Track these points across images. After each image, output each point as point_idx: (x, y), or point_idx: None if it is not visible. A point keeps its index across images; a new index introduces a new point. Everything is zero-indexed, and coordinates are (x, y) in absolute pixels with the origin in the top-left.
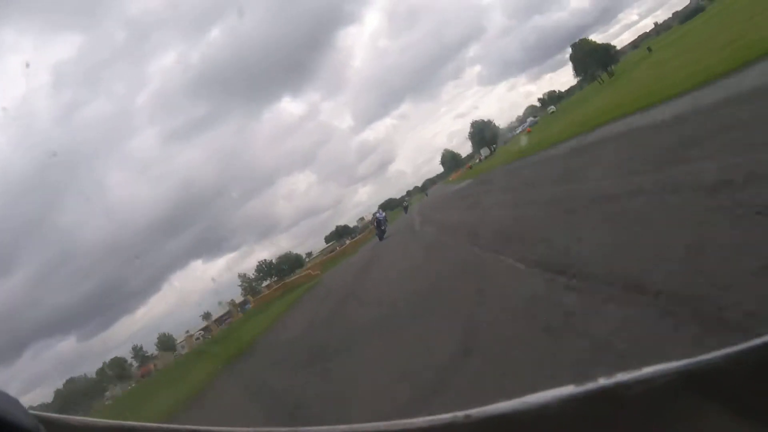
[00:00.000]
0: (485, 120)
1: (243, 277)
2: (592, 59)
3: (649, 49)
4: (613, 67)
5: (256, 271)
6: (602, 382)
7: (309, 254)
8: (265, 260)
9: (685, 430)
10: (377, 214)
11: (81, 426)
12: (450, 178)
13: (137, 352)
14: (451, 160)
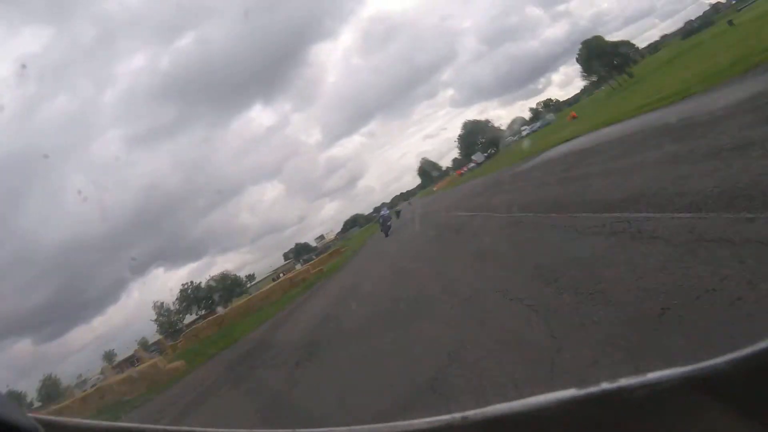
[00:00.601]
0: (482, 120)
1: (160, 308)
2: (605, 59)
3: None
4: (630, 68)
5: (178, 298)
6: (605, 386)
7: (251, 277)
8: (191, 283)
9: None
10: (383, 212)
11: (79, 428)
12: (434, 188)
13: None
14: (432, 169)
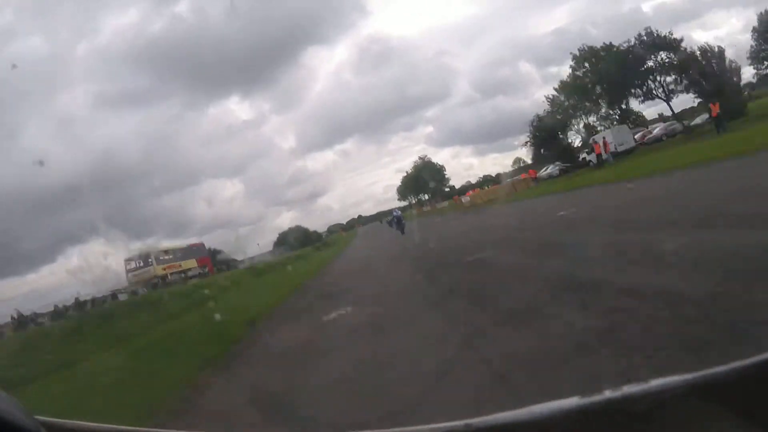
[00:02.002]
0: (436, 164)
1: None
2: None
3: None
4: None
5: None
6: (608, 394)
7: None
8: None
9: None
10: (394, 213)
11: (81, 430)
12: (428, 209)
13: None
14: (416, 184)
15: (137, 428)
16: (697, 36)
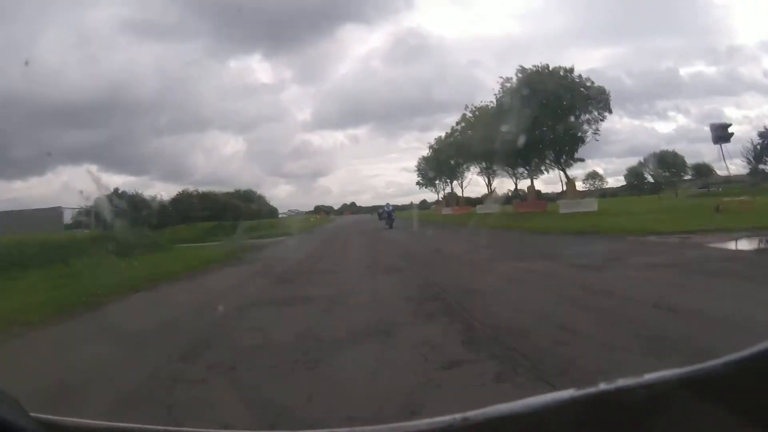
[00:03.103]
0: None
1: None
2: None
3: None
4: None
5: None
6: (602, 386)
7: None
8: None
9: None
10: (386, 208)
11: (82, 428)
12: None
13: None
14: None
15: (138, 425)
16: (729, 112)
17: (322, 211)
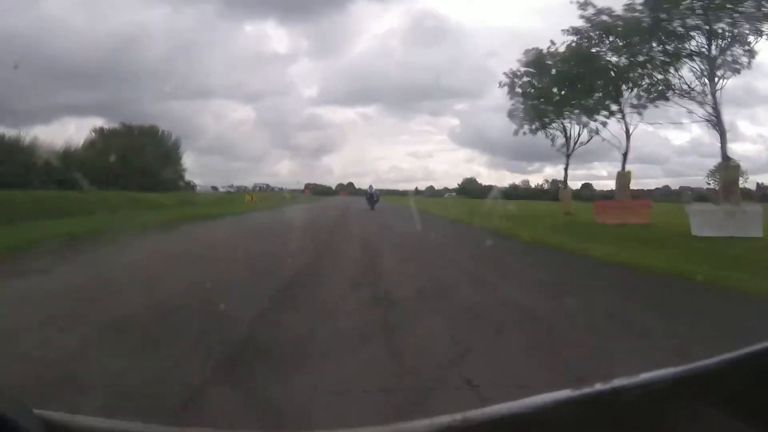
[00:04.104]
0: None
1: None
2: None
3: None
4: None
5: None
6: (599, 387)
7: None
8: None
9: None
10: (368, 189)
11: (86, 425)
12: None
13: None
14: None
15: (141, 423)
16: (743, 127)
17: (305, 189)
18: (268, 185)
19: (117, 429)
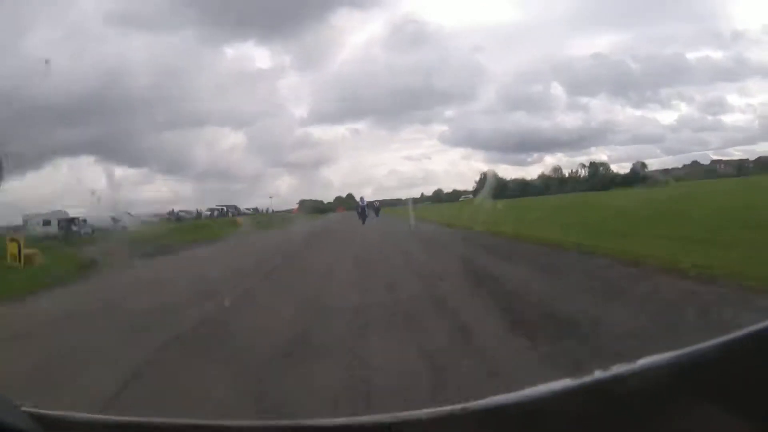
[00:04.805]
0: None
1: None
2: None
3: None
4: None
5: None
6: (598, 375)
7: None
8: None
9: (679, 420)
10: (359, 202)
11: (77, 421)
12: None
13: None
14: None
15: (136, 419)
16: (732, 100)
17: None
18: (256, 208)
19: (110, 423)
